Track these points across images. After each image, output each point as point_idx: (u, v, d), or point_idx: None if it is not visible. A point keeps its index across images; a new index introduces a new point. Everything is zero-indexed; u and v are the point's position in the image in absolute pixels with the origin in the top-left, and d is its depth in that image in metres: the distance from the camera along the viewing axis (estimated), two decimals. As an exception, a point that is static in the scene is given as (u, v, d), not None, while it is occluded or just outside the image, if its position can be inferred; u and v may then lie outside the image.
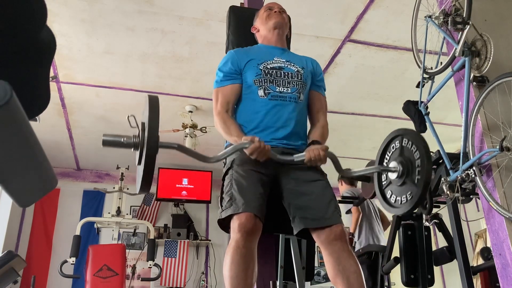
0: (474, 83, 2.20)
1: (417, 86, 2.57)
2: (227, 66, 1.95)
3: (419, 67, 2.57)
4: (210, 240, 6.40)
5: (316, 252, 3.79)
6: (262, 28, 2.10)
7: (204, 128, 4.96)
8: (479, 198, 2.21)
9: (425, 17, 2.45)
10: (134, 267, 5.91)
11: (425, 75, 2.52)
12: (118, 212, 5.24)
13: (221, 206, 1.71)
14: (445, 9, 2.31)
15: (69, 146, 5.77)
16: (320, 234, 1.66)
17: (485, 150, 2.05)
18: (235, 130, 1.81)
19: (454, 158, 2.39)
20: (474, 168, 2.07)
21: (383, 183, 1.83)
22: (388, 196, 1.78)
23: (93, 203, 6.33)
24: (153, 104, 1.40)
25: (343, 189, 4.37)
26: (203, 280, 6.24)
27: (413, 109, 2.59)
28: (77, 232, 4.77)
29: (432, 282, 2.74)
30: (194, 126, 4.95)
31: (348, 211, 4.21)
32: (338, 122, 5.10)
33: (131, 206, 6.18)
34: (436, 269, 2.90)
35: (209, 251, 6.42)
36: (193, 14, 3.47)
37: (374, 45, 3.87)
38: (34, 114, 1.01)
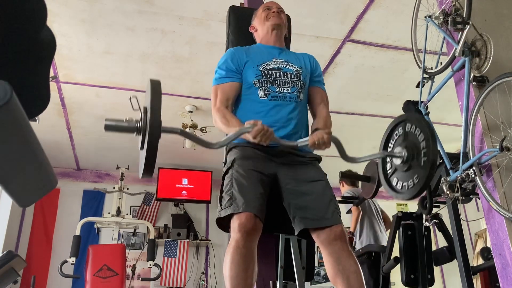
0: (474, 83, 2.20)
1: (417, 86, 2.57)
2: (226, 64, 1.95)
3: (419, 67, 2.57)
4: (210, 240, 6.40)
5: (316, 252, 3.79)
6: (260, 29, 2.10)
7: (204, 128, 4.96)
8: (479, 198, 2.20)
9: (425, 17, 2.45)
10: (134, 267, 5.91)
11: (425, 75, 2.52)
12: (118, 212, 5.23)
13: (220, 205, 1.70)
14: (445, 9, 2.31)
15: (69, 146, 5.77)
16: (320, 234, 1.66)
17: (485, 150, 2.05)
18: (236, 121, 1.79)
19: (454, 158, 2.39)
20: (474, 168, 2.07)
21: (388, 172, 1.80)
22: (394, 184, 1.75)
23: (93, 203, 6.33)
24: (155, 88, 1.38)
25: (345, 190, 4.37)
26: (203, 280, 6.24)
27: (413, 109, 2.59)
28: (77, 232, 4.77)
29: (432, 282, 2.74)
30: (194, 126, 4.95)
31: (349, 211, 4.22)
32: (338, 122, 5.07)
33: (131, 206, 6.18)
34: (436, 269, 2.90)
35: (209, 251, 6.43)
36: (193, 14, 3.47)
37: (374, 45, 3.87)
38: (34, 114, 1.01)
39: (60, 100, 4.60)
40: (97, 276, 4.22)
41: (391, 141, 1.81)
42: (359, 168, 3.47)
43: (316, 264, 5.57)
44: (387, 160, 1.83)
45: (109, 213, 5.28)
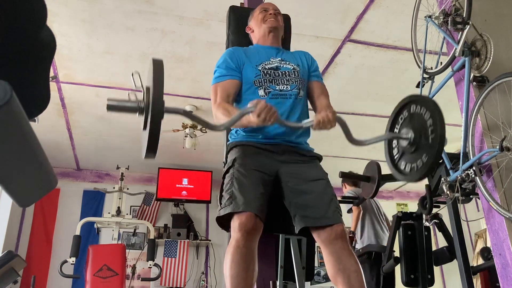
0: (474, 83, 2.20)
1: (417, 86, 2.57)
2: (226, 63, 1.95)
3: (419, 67, 2.57)
4: (210, 240, 6.39)
5: (316, 252, 3.79)
6: (257, 30, 2.11)
7: (204, 128, 4.95)
8: (479, 198, 2.21)
9: (425, 17, 2.45)
10: (134, 267, 5.91)
11: (425, 75, 2.52)
12: (118, 212, 5.23)
13: (220, 203, 1.70)
14: (445, 9, 2.31)
15: (69, 146, 5.77)
16: (321, 233, 1.66)
17: (485, 150, 2.05)
18: (238, 110, 1.74)
19: (454, 158, 2.39)
20: (474, 168, 2.07)
21: (395, 157, 1.77)
22: (402, 167, 1.71)
23: (93, 203, 6.33)
24: (158, 67, 1.37)
25: (346, 191, 4.37)
26: (203, 280, 6.24)
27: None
28: (77, 232, 4.77)
29: (432, 282, 2.74)
30: (194, 126, 4.95)
31: (350, 210, 4.23)
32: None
33: (131, 206, 6.18)
34: (436, 269, 2.90)
35: (209, 251, 6.42)
36: (193, 14, 3.47)
37: (374, 45, 3.87)
38: (34, 114, 1.01)
39: (60, 100, 4.60)
40: (97, 276, 4.22)
41: (397, 125, 1.77)
42: (359, 168, 3.47)
43: (316, 264, 5.57)
44: (394, 145, 1.79)
45: (109, 213, 5.28)
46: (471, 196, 2.42)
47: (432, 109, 1.60)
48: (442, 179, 2.30)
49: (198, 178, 6.42)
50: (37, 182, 0.93)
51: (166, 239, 6.14)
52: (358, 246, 4.10)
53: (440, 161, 2.53)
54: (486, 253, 3.24)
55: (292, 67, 1.97)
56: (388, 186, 7.12)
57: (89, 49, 3.85)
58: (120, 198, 5.34)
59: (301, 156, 1.85)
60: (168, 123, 4.90)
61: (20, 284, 5.26)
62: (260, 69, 1.93)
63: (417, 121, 1.66)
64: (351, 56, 4.01)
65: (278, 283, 2.20)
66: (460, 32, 2.18)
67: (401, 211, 2.96)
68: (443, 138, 1.53)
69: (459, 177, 2.14)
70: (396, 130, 1.78)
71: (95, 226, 5.64)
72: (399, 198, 7.37)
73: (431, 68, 2.48)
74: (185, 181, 6.39)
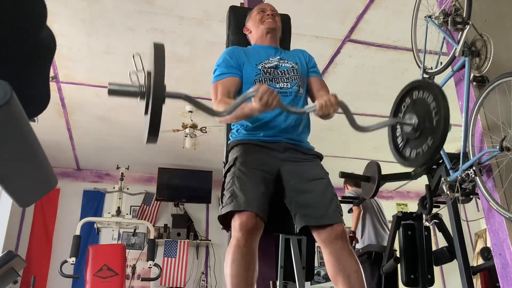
0: (474, 83, 2.20)
1: (417, 86, 2.56)
2: (226, 62, 1.95)
3: (419, 67, 2.57)
4: (210, 240, 6.39)
5: (316, 252, 3.79)
6: (254, 31, 2.11)
7: (204, 128, 4.95)
8: (479, 198, 2.21)
9: (425, 17, 2.45)
10: (134, 267, 5.91)
11: (425, 75, 2.52)
12: (118, 212, 5.23)
13: (221, 202, 1.71)
14: (445, 9, 2.31)
15: (69, 146, 5.77)
16: (321, 233, 1.66)
17: (485, 150, 2.05)
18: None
19: (454, 158, 2.39)
20: (474, 168, 2.07)
21: (399, 145, 1.74)
22: (408, 154, 1.68)
23: (93, 203, 6.33)
24: (159, 52, 1.36)
25: (348, 192, 4.38)
26: (203, 280, 6.24)
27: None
28: (77, 232, 4.77)
29: (432, 282, 2.74)
30: (194, 126, 4.95)
31: (350, 210, 4.24)
32: (338, 122, 5.07)
33: (131, 206, 6.18)
34: (436, 269, 2.90)
35: (209, 251, 6.42)
36: (193, 14, 3.47)
37: (374, 45, 3.87)
38: (34, 114, 1.01)
39: (60, 100, 4.60)
40: (97, 276, 4.22)
41: (400, 114, 1.75)
42: (359, 168, 3.47)
43: (316, 264, 5.57)
44: (397, 134, 1.76)
45: (109, 213, 5.28)
46: (471, 196, 2.42)
47: (435, 92, 1.57)
48: (442, 179, 2.31)
49: (198, 178, 6.42)
50: (37, 182, 0.93)
51: (166, 239, 6.14)
52: (359, 246, 4.10)
53: (440, 161, 2.53)
54: (486, 253, 3.24)
55: (290, 66, 1.98)
56: (388, 186, 7.12)
57: (89, 49, 3.85)
58: (120, 198, 5.34)
59: (302, 155, 1.85)
60: (168, 123, 4.90)
61: (20, 284, 5.26)
62: (260, 68, 1.93)
63: (420, 107, 1.63)
64: (351, 56, 4.01)
65: (278, 283, 2.20)
66: (460, 32, 2.18)
67: (401, 211, 2.96)
68: (448, 120, 1.50)
69: (459, 177, 2.14)
70: (400, 117, 1.74)
71: (95, 226, 5.64)
72: (399, 198, 7.37)
73: (431, 68, 2.48)
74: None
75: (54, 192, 6.12)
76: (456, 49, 2.19)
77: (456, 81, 2.38)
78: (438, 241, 5.18)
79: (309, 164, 1.83)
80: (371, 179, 3.09)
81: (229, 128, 2.06)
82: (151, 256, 4.93)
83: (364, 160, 4.23)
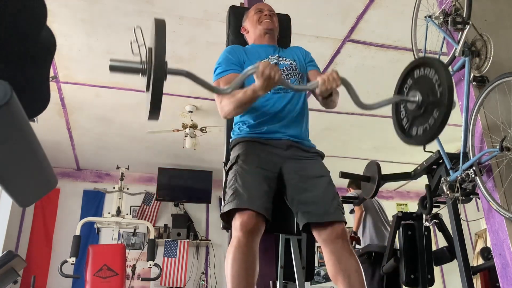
0: (474, 83, 2.20)
1: (417, 86, 2.56)
2: (227, 59, 1.95)
3: (419, 67, 2.56)
4: (210, 240, 6.39)
5: (316, 252, 3.79)
6: (252, 31, 2.11)
7: (204, 128, 4.95)
8: (479, 198, 2.21)
9: (425, 17, 2.45)
10: (134, 267, 5.91)
11: (425, 75, 2.52)
12: (118, 212, 5.23)
13: (224, 200, 1.70)
14: (445, 9, 2.31)
15: (69, 146, 5.77)
16: (322, 232, 1.66)
17: (485, 150, 2.05)
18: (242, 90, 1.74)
19: (454, 158, 2.39)
20: (474, 168, 2.07)
21: (405, 127, 1.71)
22: (414, 133, 1.65)
23: (93, 203, 6.33)
24: (160, 28, 1.35)
25: (350, 194, 4.38)
26: (203, 280, 6.24)
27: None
28: (77, 232, 4.76)
29: (432, 282, 2.74)
30: (194, 126, 4.95)
31: (352, 211, 4.24)
32: (338, 122, 5.10)
33: (131, 206, 6.18)
34: (436, 269, 2.90)
35: (209, 251, 6.42)
36: (193, 14, 3.47)
37: (374, 45, 3.87)
38: (34, 114, 1.01)
39: (60, 100, 4.60)
40: (97, 276, 4.22)
41: (403, 92, 1.73)
42: (359, 168, 3.47)
43: (316, 264, 5.57)
44: (402, 116, 1.74)
45: (109, 213, 5.28)
46: (471, 196, 2.42)
47: (436, 66, 1.55)
48: (442, 179, 2.31)
49: (198, 178, 6.42)
50: (37, 182, 0.93)
51: (166, 239, 6.14)
52: (362, 245, 4.11)
53: (440, 161, 2.53)
54: (486, 253, 3.25)
55: (289, 63, 1.99)
56: (388, 186, 7.12)
57: (89, 49, 3.85)
58: (120, 198, 5.34)
59: (304, 152, 1.86)
60: (168, 123, 4.90)
61: (20, 284, 5.26)
62: None
63: (422, 84, 1.61)
64: (351, 56, 4.01)
65: (278, 283, 2.21)
66: (460, 32, 2.18)
67: (401, 211, 2.96)
68: (452, 89, 1.47)
69: (459, 177, 2.14)
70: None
71: (95, 226, 5.63)
72: (399, 198, 7.37)
73: (431, 68, 2.48)
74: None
75: (54, 192, 6.12)
76: (456, 49, 2.19)
77: (456, 81, 2.38)
78: (438, 241, 5.18)
79: (311, 162, 1.83)
80: (371, 179, 3.09)
81: (229, 128, 2.06)
82: (151, 256, 4.93)
83: (364, 160, 4.22)
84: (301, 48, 2.13)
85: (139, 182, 6.58)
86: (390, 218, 3.29)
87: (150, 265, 4.92)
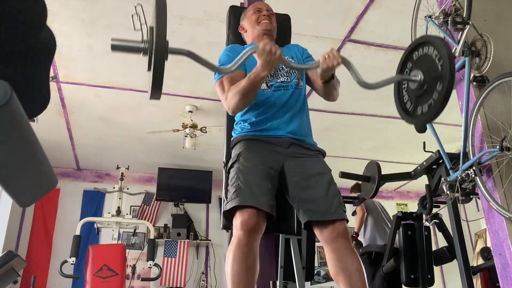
0: (474, 83, 2.20)
1: (417, 86, 2.56)
2: (227, 58, 1.94)
3: (419, 67, 2.56)
4: (210, 240, 6.38)
5: (316, 252, 3.79)
6: (250, 30, 2.10)
7: (204, 128, 4.95)
8: (479, 198, 2.21)
9: (425, 17, 2.45)
10: (134, 267, 5.91)
11: (425, 75, 2.52)
12: (118, 212, 5.23)
13: (226, 198, 1.70)
14: (445, 9, 2.31)
15: (69, 146, 5.77)
16: (323, 231, 1.66)
17: (485, 150, 2.05)
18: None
19: (454, 158, 2.39)
20: (474, 168, 2.07)
21: (409, 109, 1.70)
22: (419, 113, 1.63)
23: (93, 203, 6.33)
24: (161, 7, 1.34)
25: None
26: (203, 280, 6.24)
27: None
28: (77, 232, 4.76)
29: (432, 282, 2.74)
30: (194, 126, 4.95)
31: (354, 213, 4.25)
32: (338, 122, 5.10)
33: (131, 206, 6.18)
34: (436, 269, 2.91)
35: (209, 251, 6.42)
36: (193, 14, 3.47)
37: (374, 45, 3.87)
38: (34, 114, 1.01)
39: (60, 100, 4.60)
40: (97, 276, 4.22)
41: (405, 73, 1.72)
42: (359, 168, 3.47)
43: (316, 264, 5.57)
44: (405, 100, 1.73)
45: (109, 213, 5.28)
46: (471, 196, 2.42)
47: (435, 42, 1.54)
48: (442, 179, 2.31)
49: (198, 178, 6.42)
50: (37, 182, 0.93)
51: (166, 239, 6.14)
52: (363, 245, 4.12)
53: (440, 161, 2.53)
54: (486, 253, 3.25)
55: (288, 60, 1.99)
56: (388, 186, 7.12)
57: (89, 49, 3.85)
58: (120, 198, 5.34)
59: (306, 150, 1.86)
60: (168, 123, 4.90)
61: (20, 284, 5.26)
62: None
63: (423, 63, 1.60)
64: (351, 56, 4.01)
65: (278, 283, 2.21)
66: (460, 32, 2.19)
67: (401, 211, 2.96)
68: (453, 60, 1.46)
69: (459, 177, 2.14)
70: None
71: (95, 226, 5.63)
72: (399, 198, 7.37)
73: (431, 68, 2.48)
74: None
75: (54, 192, 6.12)
76: (456, 49, 2.19)
77: (456, 81, 2.38)
78: (438, 241, 5.18)
79: (312, 160, 1.83)
80: (371, 179, 3.09)
81: (229, 127, 2.06)
82: (151, 256, 4.93)
83: (364, 160, 4.23)
84: (297, 45, 2.14)
85: (139, 182, 6.59)
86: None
87: (150, 265, 4.92)
